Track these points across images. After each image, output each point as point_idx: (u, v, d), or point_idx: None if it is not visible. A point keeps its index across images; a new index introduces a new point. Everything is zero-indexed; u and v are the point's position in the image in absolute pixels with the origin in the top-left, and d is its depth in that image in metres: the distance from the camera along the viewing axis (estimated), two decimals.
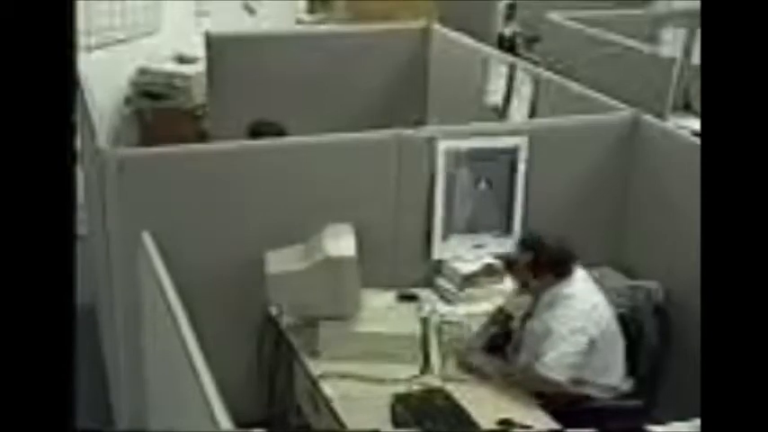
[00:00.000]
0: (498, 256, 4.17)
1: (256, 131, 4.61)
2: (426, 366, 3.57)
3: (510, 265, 3.88)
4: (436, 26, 5.99)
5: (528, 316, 3.63)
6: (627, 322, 3.72)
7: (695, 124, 5.68)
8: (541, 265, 3.54)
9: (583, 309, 3.51)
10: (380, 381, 3.47)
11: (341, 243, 3.65)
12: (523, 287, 3.68)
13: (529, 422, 3.28)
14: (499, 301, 3.89)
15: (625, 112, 4.39)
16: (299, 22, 8.13)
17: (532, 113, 4.91)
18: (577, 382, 3.49)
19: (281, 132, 4.57)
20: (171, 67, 7.07)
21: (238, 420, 2.31)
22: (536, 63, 5.60)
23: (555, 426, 3.28)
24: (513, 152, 4.18)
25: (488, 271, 4.14)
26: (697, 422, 2.23)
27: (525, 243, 3.65)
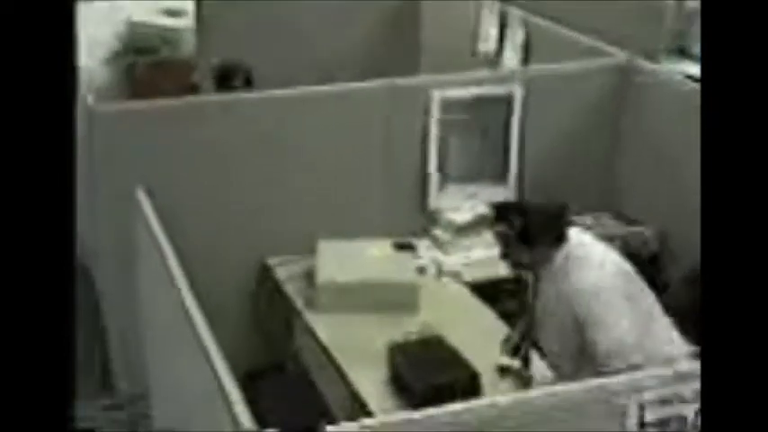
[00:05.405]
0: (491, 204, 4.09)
1: (224, 74, 4.65)
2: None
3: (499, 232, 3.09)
4: None
5: (534, 298, 3.07)
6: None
7: (689, 68, 5.64)
8: (532, 233, 2.93)
9: (600, 261, 2.92)
10: (378, 329, 3.47)
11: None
12: (517, 266, 3.09)
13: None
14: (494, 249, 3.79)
15: (618, 57, 4.35)
16: None
17: (525, 60, 4.87)
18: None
19: (248, 73, 4.62)
20: (159, 20, 6.98)
21: (237, 369, 2.31)
22: (527, 10, 5.53)
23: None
24: (507, 100, 4.15)
25: (482, 220, 4.11)
26: None
27: (502, 214, 3.04)
